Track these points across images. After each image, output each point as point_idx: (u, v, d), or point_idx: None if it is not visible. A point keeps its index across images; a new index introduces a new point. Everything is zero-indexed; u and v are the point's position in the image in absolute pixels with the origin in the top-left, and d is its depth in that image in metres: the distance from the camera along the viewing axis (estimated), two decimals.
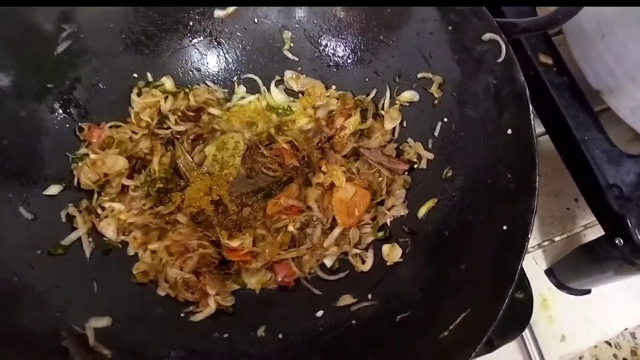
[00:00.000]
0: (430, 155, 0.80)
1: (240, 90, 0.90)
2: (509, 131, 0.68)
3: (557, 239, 1.12)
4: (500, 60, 0.70)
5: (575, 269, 1.04)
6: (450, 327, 0.62)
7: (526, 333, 1.00)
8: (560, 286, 1.07)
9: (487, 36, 0.71)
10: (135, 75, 0.85)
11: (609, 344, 1.03)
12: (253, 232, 0.80)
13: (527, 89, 0.68)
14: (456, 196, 0.74)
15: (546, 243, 1.11)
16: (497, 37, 0.70)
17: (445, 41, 0.76)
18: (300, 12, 0.86)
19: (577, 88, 0.88)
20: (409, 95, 0.83)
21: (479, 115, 0.73)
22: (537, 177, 0.64)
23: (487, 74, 0.72)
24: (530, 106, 0.67)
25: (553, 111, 0.87)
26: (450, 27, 0.75)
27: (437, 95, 0.79)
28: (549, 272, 1.09)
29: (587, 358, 1.02)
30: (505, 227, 0.64)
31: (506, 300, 0.60)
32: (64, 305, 0.68)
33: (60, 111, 0.79)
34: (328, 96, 0.88)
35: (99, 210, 0.79)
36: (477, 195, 0.71)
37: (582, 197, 1.14)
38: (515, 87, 0.68)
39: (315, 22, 0.87)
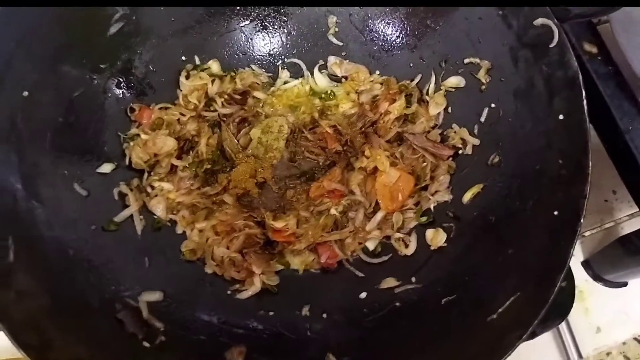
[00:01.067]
0: (476, 141, 0.79)
1: (284, 74, 0.91)
2: (561, 116, 0.68)
3: (594, 231, 1.11)
4: (552, 45, 0.69)
5: (612, 262, 1.03)
6: (500, 310, 0.62)
7: (561, 324, 1.00)
8: (597, 278, 1.06)
9: (540, 21, 0.71)
10: (183, 58, 0.87)
11: (638, 340, 1.03)
12: (297, 214, 0.81)
13: (580, 74, 0.68)
14: (503, 182, 0.74)
15: (583, 235, 1.10)
16: (550, 22, 0.70)
17: (495, 26, 0.75)
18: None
19: (621, 77, 0.86)
20: (455, 81, 0.83)
21: (529, 100, 0.72)
22: (590, 163, 0.63)
23: (538, 59, 0.71)
24: (583, 91, 0.67)
25: (597, 100, 0.87)
26: (500, 12, 0.75)
27: (484, 81, 0.79)
28: (586, 264, 1.08)
29: (615, 355, 1.02)
30: (556, 213, 0.64)
31: (558, 285, 0.60)
32: (118, 279, 0.70)
33: (113, 91, 0.81)
34: (372, 81, 0.88)
35: (149, 189, 0.81)
36: (526, 181, 0.70)
37: (620, 190, 1.14)
38: (568, 72, 0.68)
39: (361, 7, 0.87)
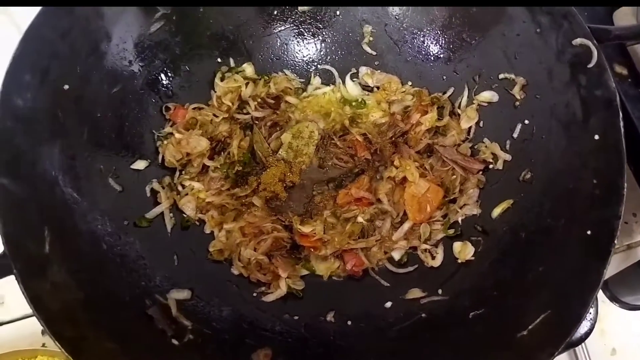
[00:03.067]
0: (508, 157, 0.80)
1: (316, 81, 0.92)
2: (596, 137, 0.68)
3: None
4: (590, 65, 0.70)
5: (630, 284, 1.03)
6: (530, 327, 0.62)
7: None
8: (614, 299, 1.06)
9: (578, 41, 0.71)
10: (218, 60, 0.88)
11: None
12: (324, 220, 0.82)
13: (618, 95, 0.68)
14: (534, 199, 0.74)
15: None
16: (589, 43, 0.70)
17: (533, 43, 0.76)
18: (383, 8, 0.87)
19: None
20: (488, 96, 0.83)
21: (564, 119, 0.72)
22: (625, 184, 0.64)
23: (575, 79, 0.71)
24: (620, 112, 0.67)
25: (625, 122, 0.87)
26: (538, 30, 0.75)
27: (519, 97, 0.79)
28: (604, 285, 1.07)
29: None
30: (589, 232, 0.64)
31: (590, 304, 0.60)
32: (148, 275, 0.71)
33: (149, 89, 0.82)
34: (404, 92, 0.89)
35: (180, 188, 0.82)
36: (558, 199, 0.71)
37: None
38: (605, 93, 0.68)
39: (397, 17, 0.88)
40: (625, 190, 0.63)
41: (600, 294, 1.06)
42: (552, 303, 0.63)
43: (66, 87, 0.71)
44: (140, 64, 0.81)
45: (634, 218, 1.15)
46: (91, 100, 0.74)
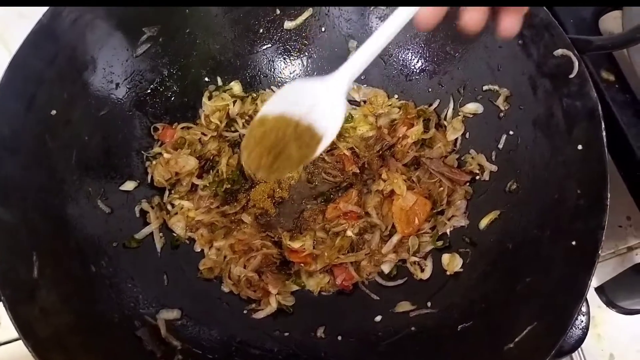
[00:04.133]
0: (494, 168, 0.80)
1: None
2: (580, 147, 0.68)
3: (608, 256, 1.10)
4: (572, 76, 0.70)
5: (626, 289, 1.03)
6: (517, 339, 0.62)
7: None
8: (610, 304, 1.06)
9: (560, 52, 0.72)
10: (206, 79, 0.89)
11: None
12: (313, 235, 0.82)
13: (600, 106, 0.68)
14: (520, 209, 0.74)
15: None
16: (570, 53, 0.71)
17: (515, 55, 0.76)
18: (368, 22, 0.88)
19: (639, 105, 0.87)
20: (473, 107, 0.84)
21: (548, 129, 0.73)
22: (608, 195, 0.64)
23: (558, 89, 0.72)
24: (602, 122, 0.67)
25: (614, 128, 0.87)
26: (520, 41, 0.76)
27: (503, 108, 0.80)
28: (600, 290, 1.07)
29: None
30: (574, 243, 0.65)
31: (575, 316, 0.60)
32: (137, 296, 0.72)
33: (137, 110, 0.83)
34: (390, 105, 0.90)
35: (170, 207, 0.83)
36: (544, 209, 0.71)
37: (634, 216, 1.13)
38: (588, 103, 0.68)
39: None
40: (608, 200, 0.63)
41: (596, 299, 1.06)
42: (538, 314, 0.63)
43: (53, 112, 0.72)
44: (127, 86, 0.82)
45: (628, 222, 1.15)
46: (79, 124, 0.75)
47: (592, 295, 1.05)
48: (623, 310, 1.04)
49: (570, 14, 0.92)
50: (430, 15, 0.50)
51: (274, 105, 0.57)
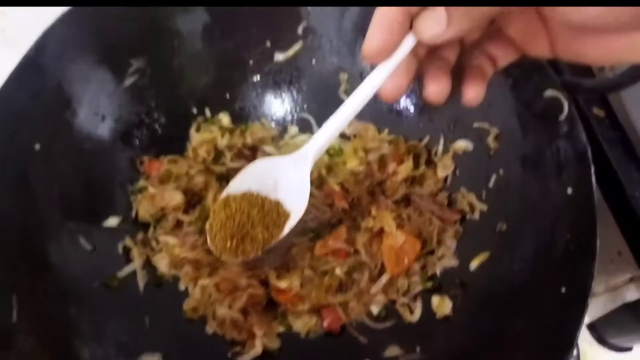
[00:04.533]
0: (484, 207, 0.79)
1: (293, 129, 0.92)
2: (569, 190, 0.68)
3: (599, 292, 1.10)
4: (562, 118, 0.70)
5: (618, 326, 1.02)
6: None
7: None
8: (601, 341, 1.05)
9: (549, 93, 0.71)
10: (194, 110, 0.88)
11: None
12: (300, 273, 0.80)
13: (590, 150, 0.68)
14: (510, 252, 0.73)
15: None
16: (560, 95, 0.70)
17: (505, 94, 0.76)
18: (359, 56, 0.88)
19: (629, 142, 0.87)
20: (463, 144, 0.83)
21: (537, 171, 0.72)
22: (598, 242, 0.63)
23: (547, 131, 0.71)
24: (592, 167, 0.67)
25: (604, 164, 0.87)
26: (510, 80, 0.76)
27: (493, 147, 0.79)
28: (591, 327, 1.06)
29: None
30: (563, 290, 0.64)
31: None
32: (118, 340, 0.69)
33: (123, 144, 0.82)
34: (380, 139, 0.89)
35: (154, 243, 0.81)
36: (534, 252, 0.70)
37: (625, 250, 1.12)
38: (577, 146, 0.68)
39: (372, 66, 0.88)
40: (597, 248, 0.63)
41: (588, 336, 1.05)
42: None
43: (37, 146, 0.70)
44: (113, 118, 0.80)
45: (619, 257, 1.14)
46: (62, 158, 0.74)
47: (583, 332, 1.04)
48: (614, 347, 1.03)
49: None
50: (393, 89, 0.51)
51: (238, 184, 0.58)
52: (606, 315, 1.03)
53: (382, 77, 0.49)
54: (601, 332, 1.04)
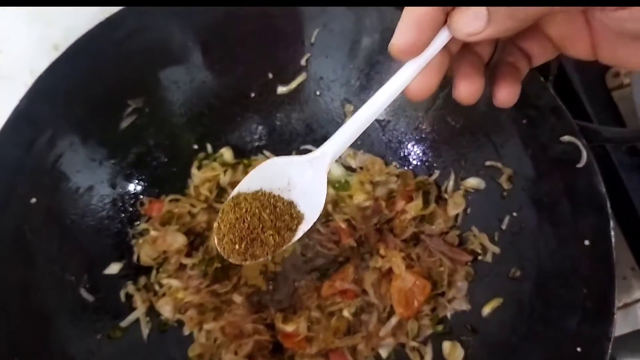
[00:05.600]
0: (497, 249, 0.76)
1: None
2: (586, 242, 0.65)
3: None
4: (580, 165, 0.67)
5: (632, 349, 1.00)
6: None
7: None
8: None
9: (567, 139, 0.68)
10: (195, 146, 0.85)
11: None
12: (308, 315, 0.79)
13: (608, 201, 0.65)
14: (524, 300, 0.71)
15: None
16: (578, 142, 0.67)
17: (519, 134, 0.73)
18: (365, 88, 0.84)
19: None
20: (474, 182, 0.80)
21: (553, 217, 0.69)
22: (616, 301, 0.61)
23: (564, 177, 0.68)
24: (611, 221, 0.64)
25: (619, 191, 0.85)
26: (525, 121, 0.72)
27: (506, 187, 0.76)
28: None
29: None
30: (579, 350, 0.62)
31: None
32: None
33: (122, 186, 0.79)
34: (387, 173, 0.86)
35: (157, 287, 0.79)
36: (549, 304, 0.67)
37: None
38: (595, 197, 0.65)
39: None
40: (615, 308, 0.60)
41: None
42: None
43: (33, 200, 0.68)
44: (111, 161, 0.78)
45: (632, 272, 1.12)
46: (60, 209, 0.72)
47: None
48: None
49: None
50: (422, 87, 0.46)
51: (250, 182, 0.53)
52: (620, 337, 1.02)
53: (411, 75, 0.44)
54: (614, 354, 1.03)
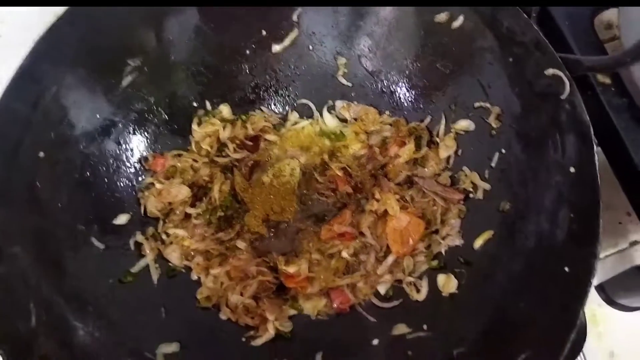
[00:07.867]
0: (487, 186, 0.79)
1: (293, 116, 0.92)
2: (572, 169, 0.68)
3: (608, 253, 1.10)
4: (563, 97, 0.69)
5: (627, 287, 1.03)
6: None
7: None
8: (610, 302, 1.06)
9: (550, 71, 0.70)
10: (195, 104, 0.88)
11: None
12: (308, 257, 0.82)
13: (592, 129, 0.67)
14: (514, 231, 0.74)
15: None
16: (561, 74, 0.69)
17: (506, 72, 0.75)
18: (356, 39, 0.87)
19: (636, 109, 0.86)
20: (464, 124, 0.82)
21: (540, 150, 0.72)
22: (601, 222, 0.63)
23: (549, 110, 0.71)
24: (595, 147, 0.66)
25: (610, 132, 0.86)
26: (511, 59, 0.74)
27: (495, 126, 0.79)
28: (600, 288, 1.07)
29: None
30: (567, 269, 0.65)
31: (567, 346, 0.61)
32: (136, 333, 0.72)
33: (126, 142, 0.83)
34: (381, 122, 0.89)
35: (164, 237, 0.83)
36: (538, 232, 0.70)
37: (634, 211, 1.13)
38: (579, 126, 0.67)
39: (370, 49, 0.87)
40: (600, 228, 0.63)
41: (596, 297, 1.06)
42: (531, 342, 0.63)
43: (41, 154, 0.72)
44: (115, 118, 0.81)
45: (628, 217, 1.14)
46: (68, 163, 0.75)
47: (592, 293, 1.06)
48: (623, 307, 1.04)
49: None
50: None
51: None
52: (615, 277, 1.04)
53: None
54: (610, 293, 1.06)
